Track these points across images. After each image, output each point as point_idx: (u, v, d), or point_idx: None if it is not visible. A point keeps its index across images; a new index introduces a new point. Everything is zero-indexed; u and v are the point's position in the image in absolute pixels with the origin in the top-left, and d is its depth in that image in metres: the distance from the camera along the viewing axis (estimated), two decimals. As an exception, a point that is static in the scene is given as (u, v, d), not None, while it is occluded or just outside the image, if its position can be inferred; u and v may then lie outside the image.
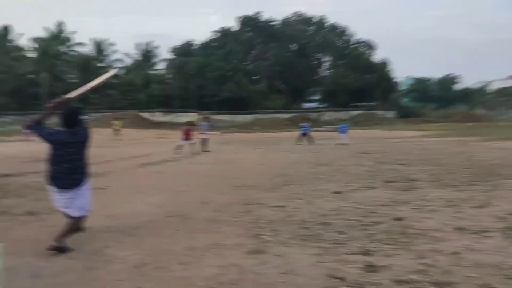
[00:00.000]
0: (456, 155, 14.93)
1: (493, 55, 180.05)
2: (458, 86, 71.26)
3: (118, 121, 29.98)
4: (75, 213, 4.84)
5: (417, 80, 71.16)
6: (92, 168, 12.55)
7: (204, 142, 19.26)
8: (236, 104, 50.38)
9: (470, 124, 43.32)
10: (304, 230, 5.44)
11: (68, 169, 4.74)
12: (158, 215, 6.44)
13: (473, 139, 23.53)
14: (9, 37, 61.97)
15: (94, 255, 4.61)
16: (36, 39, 58.90)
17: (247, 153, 17.91)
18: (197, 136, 19.26)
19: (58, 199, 4.84)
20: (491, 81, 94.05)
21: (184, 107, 51.37)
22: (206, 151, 18.52)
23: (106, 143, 16.91)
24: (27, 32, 69.24)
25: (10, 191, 8.65)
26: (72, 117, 4.87)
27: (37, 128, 4.79)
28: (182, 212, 6.60)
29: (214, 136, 34.08)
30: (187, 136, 18.08)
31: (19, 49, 60.67)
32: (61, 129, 4.83)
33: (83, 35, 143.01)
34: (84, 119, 5.06)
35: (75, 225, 4.87)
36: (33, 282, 3.92)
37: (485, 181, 9.05)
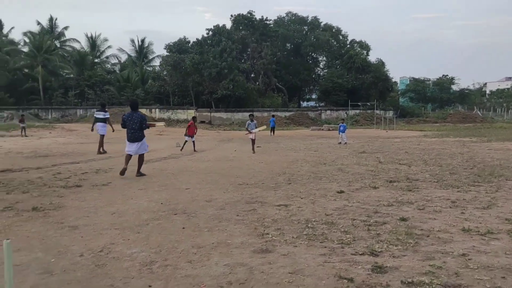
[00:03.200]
0: (456, 156, 14.97)
1: (487, 57, 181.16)
2: (454, 87, 71.35)
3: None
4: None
5: (415, 81, 71.09)
6: (95, 164, 12.48)
7: (252, 141, 18.20)
8: (233, 102, 50.40)
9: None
10: (309, 229, 5.43)
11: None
12: (163, 213, 6.43)
13: (472, 140, 23.62)
14: (0, 31, 60.81)
15: (101, 252, 4.60)
16: (29, 33, 57.66)
17: (247, 151, 17.86)
18: (248, 134, 18.44)
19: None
20: (486, 82, 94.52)
21: (181, 104, 51.33)
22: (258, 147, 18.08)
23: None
24: (17, 26, 67.48)
25: (15, 187, 8.62)
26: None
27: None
28: (186, 210, 6.60)
29: (213, 134, 34.09)
30: (190, 132, 18.00)
31: (13, 43, 59.29)
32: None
33: (74, 30, 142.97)
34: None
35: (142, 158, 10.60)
36: (43, 278, 3.89)
37: (488, 182, 9.09)
